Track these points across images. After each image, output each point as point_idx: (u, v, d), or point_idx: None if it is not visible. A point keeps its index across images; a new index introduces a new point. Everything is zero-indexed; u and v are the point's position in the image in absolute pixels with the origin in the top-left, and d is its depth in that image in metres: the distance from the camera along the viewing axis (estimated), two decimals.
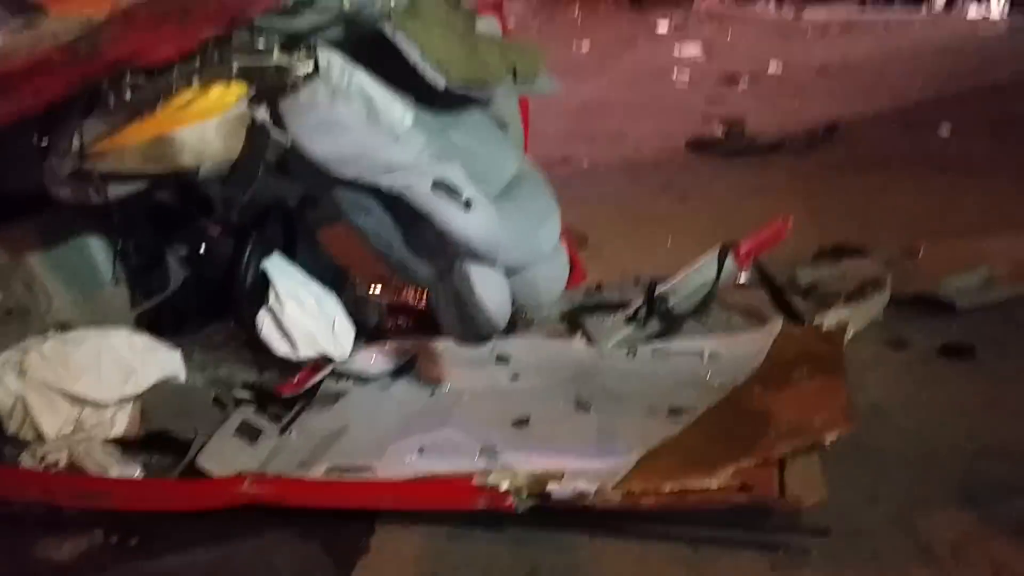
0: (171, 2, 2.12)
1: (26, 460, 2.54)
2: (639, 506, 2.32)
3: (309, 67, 2.27)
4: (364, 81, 2.35)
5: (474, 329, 2.60)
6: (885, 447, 2.77)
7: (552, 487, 2.33)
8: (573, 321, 3.47)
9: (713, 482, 2.29)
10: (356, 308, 3.41)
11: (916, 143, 6.70)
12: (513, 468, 2.44)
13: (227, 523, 2.40)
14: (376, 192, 2.46)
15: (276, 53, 2.23)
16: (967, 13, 15.31)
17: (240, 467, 2.50)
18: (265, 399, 2.89)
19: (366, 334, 3.33)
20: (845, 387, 2.67)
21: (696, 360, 3.13)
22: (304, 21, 2.27)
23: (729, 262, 3.29)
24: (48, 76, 2.11)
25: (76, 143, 2.22)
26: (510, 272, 2.70)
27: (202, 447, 2.56)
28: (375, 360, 3.16)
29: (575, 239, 4.36)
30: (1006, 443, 2.82)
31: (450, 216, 2.41)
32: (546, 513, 2.37)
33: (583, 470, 2.43)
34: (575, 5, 17.95)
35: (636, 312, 3.28)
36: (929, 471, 2.68)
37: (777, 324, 3.17)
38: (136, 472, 2.53)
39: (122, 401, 2.68)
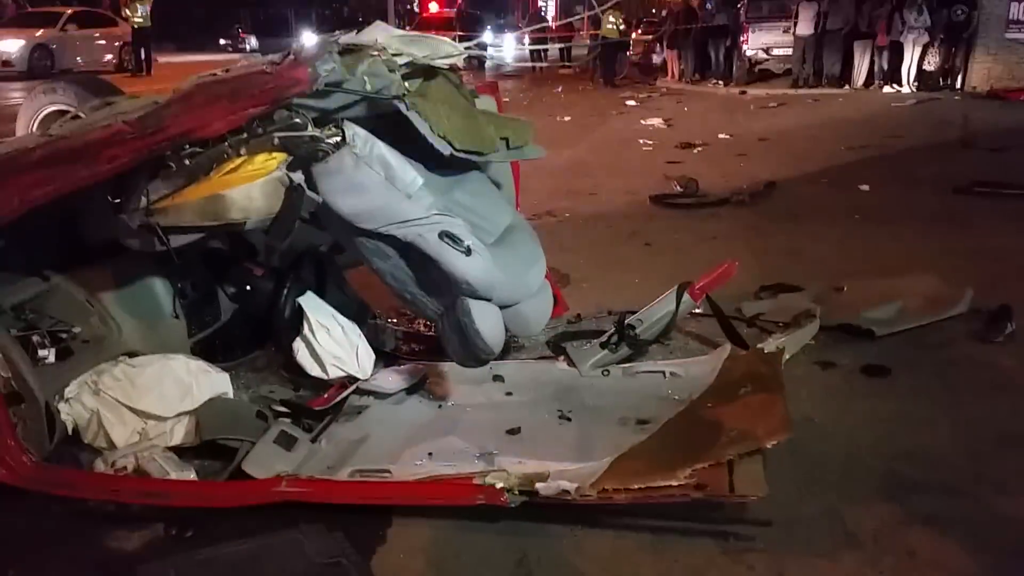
0: (222, 86, 2.14)
1: (99, 465, 2.52)
2: (612, 501, 2.31)
3: (337, 138, 2.27)
4: (383, 149, 2.36)
5: (474, 354, 2.59)
6: (817, 451, 2.76)
7: (539, 485, 2.33)
8: (557, 346, 3.48)
9: (674, 481, 2.29)
10: (376, 336, 3.42)
11: (841, 197, 6.75)
12: (506, 470, 2.44)
13: (267, 517, 2.39)
14: (392, 240, 2.46)
15: (310, 127, 2.23)
16: (882, 89, 15.48)
17: (278, 470, 2.49)
18: (299, 413, 2.88)
19: (384, 358, 3.33)
20: (783, 401, 2.66)
21: (659, 378, 3.14)
22: (333, 101, 2.28)
23: (686, 297, 3.30)
24: (120, 147, 2.11)
25: (143, 201, 2.23)
26: (504, 307, 2.71)
27: (247, 454, 2.54)
28: (392, 380, 3.16)
29: (558, 278, 4.39)
30: (918, 447, 2.82)
31: (454, 261, 2.41)
32: (534, 507, 2.36)
33: (565, 471, 2.43)
34: (559, 85, 18.14)
35: (609, 339, 3.28)
36: (854, 471, 2.68)
37: (726, 349, 3.17)
38: (191, 475, 2.51)
39: (180, 415, 2.67)
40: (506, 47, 20.79)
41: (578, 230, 5.91)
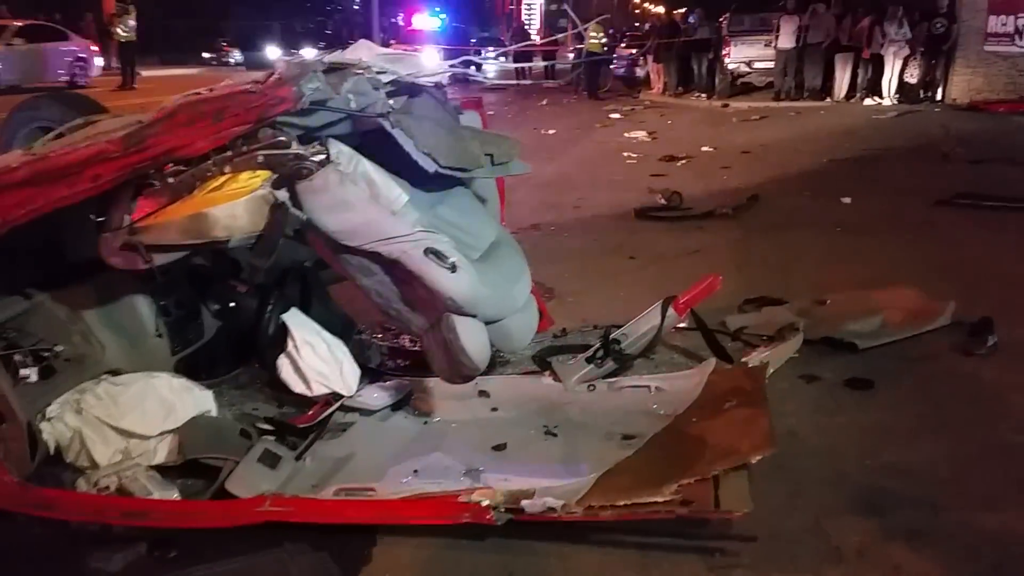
0: (206, 104, 2.13)
1: (82, 485, 2.50)
2: (598, 518, 2.30)
3: (321, 156, 2.27)
4: (367, 167, 2.35)
5: (459, 371, 2.58)
6: (801, 466, 2.77)
7: (525, 503, 2.32)
8: (542, 361, 3.47)
9: (659, 497, 2.28)
10: (361, 352, 3.40)
11: (823, 209, 6.79)
12: (492, 487, 2.43)
13: (251, 537, 2.37)
14: (376, 257, 2.46)
15: (294, 145, 2.23)
16: (863, 101, 15.60)
17: (262, 489, 2.47)
18: (284, 430, 2.86)
19: (369, 374, 3.31)
20: (767, 416, 2.67)
21: (645, 393, 3.14)
22: (317, 119, 2.28)
23: (671, 311, 3.30)
24: (103, 165, 2.10)
25: (126, 220, 2.21)
26: (489, 322, 2.70)
27: (230, 473, 2.52)
28: (377, 396, 3.14)
29: (543, 292, 4.39)
30: (901, 461, 2.84)
31: (439, 278, 2.41)
32: (521, 525, 2.35)
33: (551, 488, 2.42)
34: (544, 98, 18.20)
35: (595, 353, 3.28)
36: (838, 486, 2.69)
37: (711, 363, 3.17)
38: (174, 494, 2.49)
39: (163, 434, 2.64)
40: (488, 65, 20.91)
41: (563, 243, 5.92)
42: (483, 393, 3.17)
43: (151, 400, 2.65)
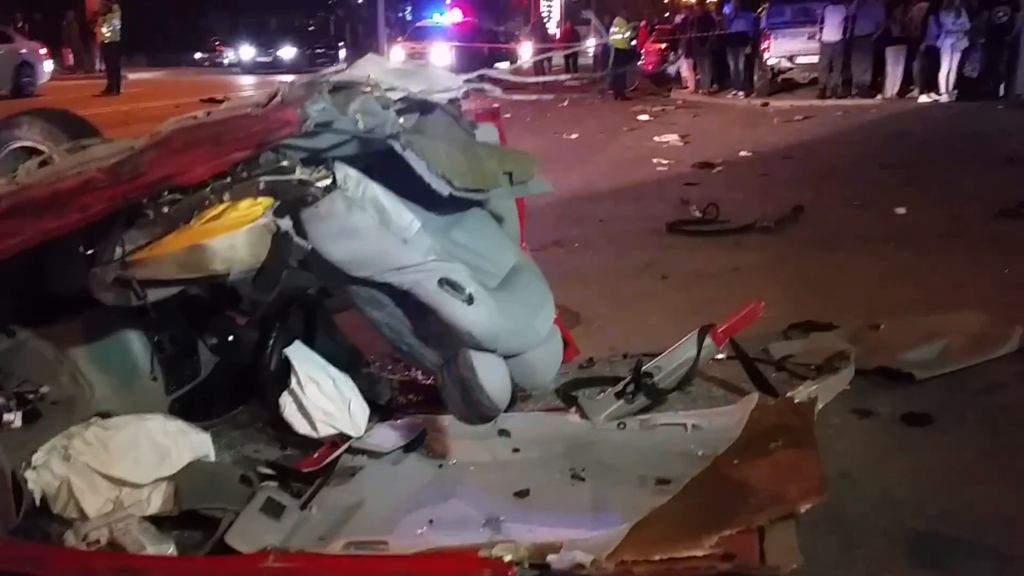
0: (204, 129, 2.17)
1: (70, 539, 2.52)
2: (631, 574, 2.30)
3: (327, 181, 2.30)
4: (376, 191, 2.38)
5: (478, 411, 2.60)
6: (854, 512, 2.76)
7: (551, 558, 2.32)
8: (567, 395, 3.48)
9: (699, 551, 2.28)
10: (370, 386, 3.42)
11: (875, 221, 6.80)
12: (515, 540, 2.44)
13: None
14: (387, 288, 2.48)
15: (298, 170, 2.26)
16: (918, 98, 15.58)
17: (265, 543, 2.48)
18: (287, 476, 2.88)
19: (379, 411, 3.33)
20: (817, 458, 2.67)
21: (680, 432, 3.14)
22: (322, 140, 2.30)
23: (708, 341, 3.31)
24: (93, 195, 2.14)
25: (118, 252, 2.25)
26: (509, 356, 2.72)
27: (230, 525, 2.54)
28: (388, 437, 3.16)
29: (568, 317, 4.40)
30: (964, 506, 2.82)
31: (454, 311, 2.43)
32: None
33: (579, 541, 2.43)
34: (565, 98, 18.27)
35: (625, 388, 3.29)
36: (895, 535, 2.68)
37: (753, 398, 3.18)
38: (170, 549, 2.51)
39: (157, 481, 2.66)
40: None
41: (589, 262, 5.95)
42: (503, 432, 3.17)
43: (144, 445, 2.68)
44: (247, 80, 25.94)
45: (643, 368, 3.33)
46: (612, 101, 18.11)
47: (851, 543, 2.63)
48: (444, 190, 2.48)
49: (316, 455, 3.02)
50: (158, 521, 2.62)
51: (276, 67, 29.09)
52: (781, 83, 18.04)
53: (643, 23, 24.68)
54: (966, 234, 6.26)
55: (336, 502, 2.79)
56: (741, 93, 17.93)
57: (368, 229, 2.37)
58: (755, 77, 18.02)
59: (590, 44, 26.14)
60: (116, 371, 2.84)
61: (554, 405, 3.47)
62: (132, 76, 22.50)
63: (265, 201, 2.29)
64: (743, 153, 10.39)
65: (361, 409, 3.13)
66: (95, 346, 2.81)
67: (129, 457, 2.64)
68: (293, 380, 3.02)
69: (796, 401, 3.14)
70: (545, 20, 43.49)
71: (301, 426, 3.03)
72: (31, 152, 3.47)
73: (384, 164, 2.44)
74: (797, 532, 2.36)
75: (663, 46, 21.76)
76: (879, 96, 16.06)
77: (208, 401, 3.16)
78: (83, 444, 2.63)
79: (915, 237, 6.22)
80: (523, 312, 2.77)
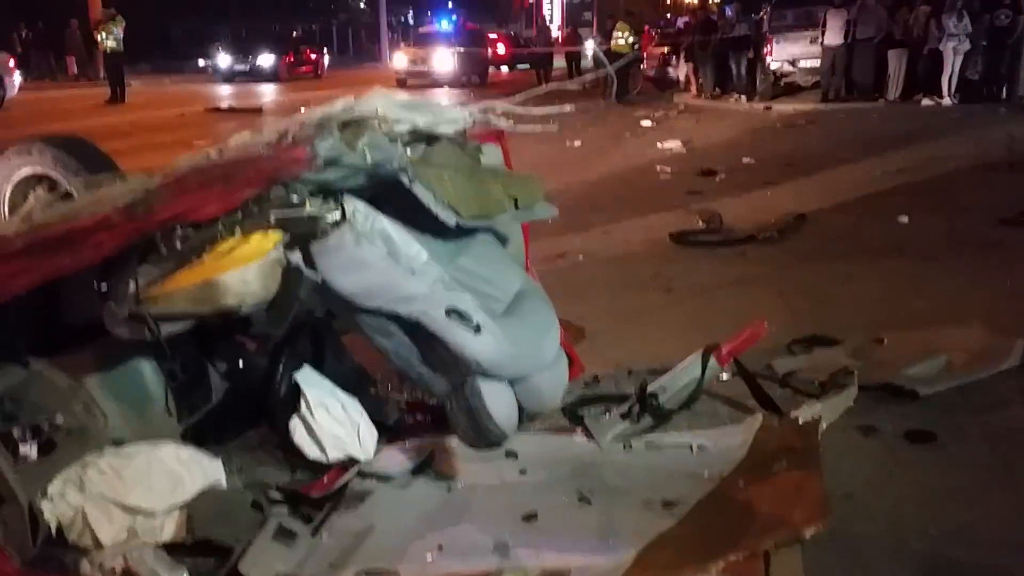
0: (216, 169, 2.21)
1: (85, 567, 2.55)
2: None
3: (336, 215, 2.34)
4: (385, 224, 2.43)
5: (485, 437, 2.64)
6: (858, 534, 2.79)
7: None
8: (573, 414, 3.51)
9: None
10: (377, 408, 3.46)
11: (878, 231, 6.82)
12: (524, 566, 2.48)
13: None
14: (395, 317, 2.53)
15: (308, 204, 2.30)
16: (920, 102, 15.58)
17: (277, 571, 2.52)
18: (298, 501, 2.91)
19: (387, 432, 3.37)
20: (821, 481, 2.70)
21: (686, 452, 3.17)
22: (331, 173, 2.34)
23: (712, 362, 3.34)
24: (107, 232, 2.18)
25: (132, 288, 2.29)
26: (515, 380, 2.76)
27: (243, 552, 2.58)
28: (396, 460, 3.19)
29: (572, 332, 4.43)
30: (968, 527, 2.85)
31: (462, 340, 2.48)
32: None
33: (587, 566, 2.47)
34: (568, 103, 18.28)
35: (630, 408, 3.32)
36: (899, 557, 2.70)
37: (757, 419, 3.22)
38: None
39: (171, 509, 2.71)
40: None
41: (592, 275, 5.97)
42: (510, 453, 3.20)
43: (157, 473, 2.71)
44: (225, 89, 25.26)
45: (648, 389, 3.37)
46: (614, 106, 18.11)
47: (855, 565, 2.66)
48: (451, 220, 2.53)
49: (326, 479, 3.05)
50: (172, 549, 2.66)
51: (254, 75, 28.31)
52: (783, 87, 18.05)
53: (647, 27, 24.75)
54: (968, 243, 6.28)
55: (346, 528, 2.82)
56: (743, 97, 17.93)
57: (377, 261, 2.42)
58: (757, 81, 18.03)
59: (589, 46, 26.14)
60: (129, 399, 2.87)
61: (560, 424, 3.50)
62: (136, 83, 22.57)
63: (276, 235, 2.33)
64: (746, 160, 10.41)
65: (370, 433, 3.16)
66: (108, 375, 2.84)
67: (142, 485, 2.67)
68: (303, 405, 3.06)
69: (800, 421, 3.17)
70: (547, 22, 43.52)
71: (311, 450, 3.06)
72: (41, 179, 3.51)
73: (392, 192, 2.49)
74: (803, 556, 2.40)
75: (665, 50, 21.78)
76: (881, 99, 16.06)
77: (219, 426, 3.19)
78: (97, 473, 2.66)
79: (917, 247, 6.25)
80: (529, 337, 2.81)
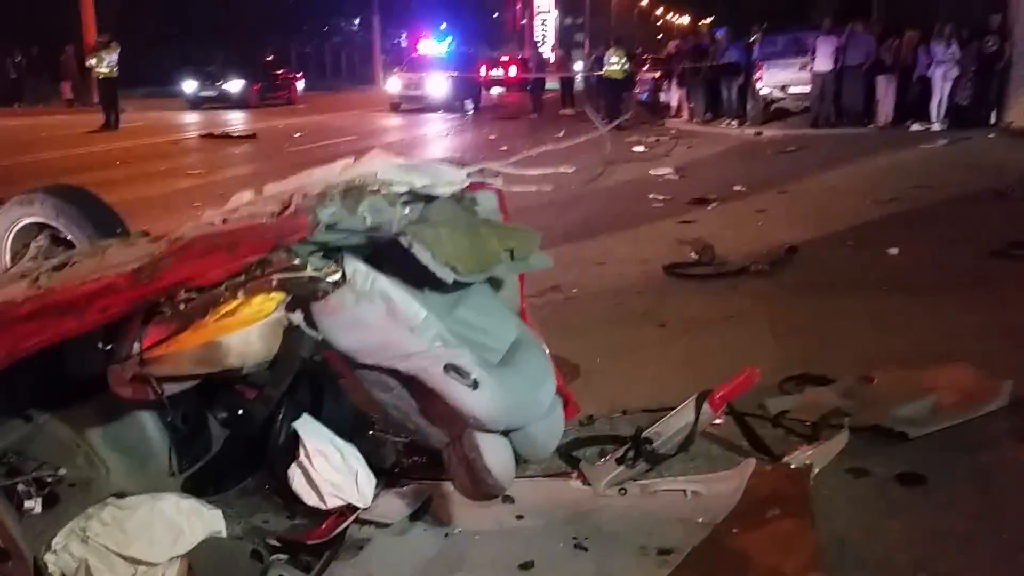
0: (220, 237, 2.27)
1: None
2: None
3: (337, 276, 2.40)
4: (384, 284, 2.48)
5: (483, 489, 2.69)
6: None
7: None
8: (569, 456, 3.56)
9: None
10: (375, 450, 3.50)
11: (868, 263, 6.88)
12: None
13: None
14: (395, 373, 2.57)
15: (309, 266, 2.35)
16: (910, 127, 15.73)
17: None
18: (297, 549, 2.95)
19: (385, 475, 3.40)
20: (813, 530, 2.75)
21: (680, 498, 3.22)
22: (331, 236, 2.40)
23: (706, 407, 3.39)
24: (113, 297, 2.23)
25: (136, 349, 2.34)
26: (511, 429, 2.81)
27: None
28: (394, 505, 3.23)
29: (567, 370, 4.48)
30: (957, 571, 2.89)
31: (460, 396, 2.52)
32: None
33: None
34: (560, 128, 18.41)
35: (625, 454, 3.37)
36: None
37: (750, 464, 3.26)
38: None
39: (172, 560, 2.74)
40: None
41: (586, 309, 6.00)
42: (507, 498, 3.23)
43: (159, 524, 2.75)
44: (191, 118, 24.50)
45: (643, 434, 3.42)
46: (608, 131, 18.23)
47: None
48: (449, 278, 2.58)
49: (324, 526, 3.08)
50: None
51: (221, 101, 27.49)
52: (774, 112, 18.21)
53: (640, 52, 24.97)
54: (957, 276, 6.35)
55: None
56: (735, 122, 18.09)
57: (376, 320, 2.47)
58: (748, 106, 18.19)
59: (579, 67, 26.33)
60: (131, 451, 2.91)
61: (556, 467, 3.54)
62: (130, 108, 22.60)
63: (277, 296, 2.38)
64: (737, 188, 10.49)
65: (368, 480, 3.19)
66: (110, 427, 2.88)
67: (144, 537, 2.71)
68: (302, 453, 3.09)
69: (792, 467, 3.22)
70: (539, 45, 43.82)
71: (310, 498, 3.09)
72: (42, 228, 3.56)
73: (391, 247, 2.54)
74: None
75: (657, 75, 21.96)
76: (871, 125, 16.21)
77: (219, 474, 3.23)
78: (100, 525, 2.70)
79: (907, 280, 6.30)
80: (525, 388, 2.85)
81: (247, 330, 2.33)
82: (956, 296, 5.86)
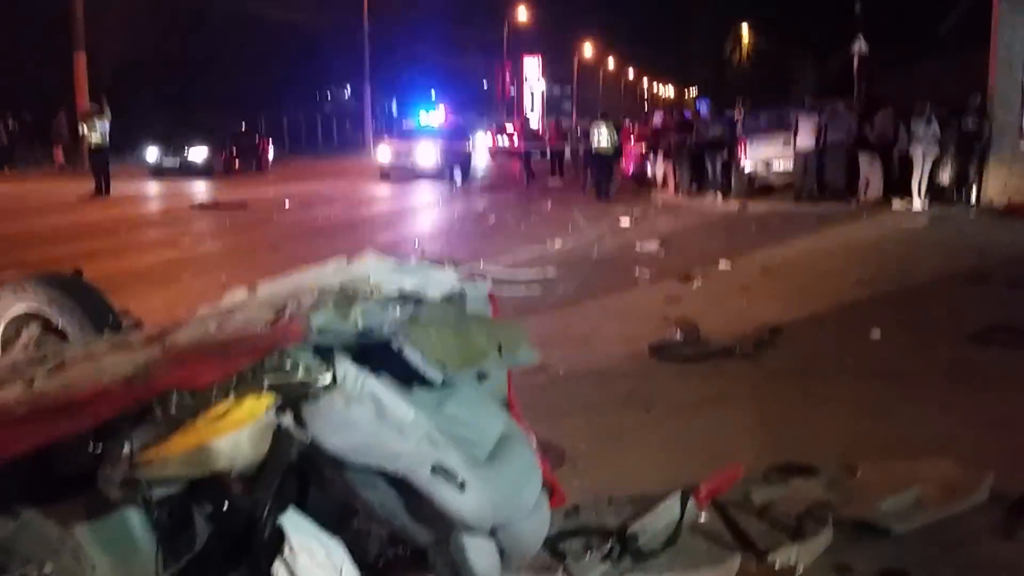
0: (214, 344, 2.31)
1: None
2: None
3: (328, 379, 2.43)
4: (374, 387, 2.51)
5: None
6: None
7: None
8: (554, 549, 3.55)
9: None
10: (358, 542, 3.48)
11: (851, 346, 6.94)
12: None
13: None
14: (382, 473, 2.60)
15: (300, 371, 2.39)
16: (892, 204, 15.97)
17: None
18: None
19: (368, 569, 3.38)
20: None
21: None
22: (323, 339, 2.45)
23: (691, 504, 3.42)
24: (106, 401, 2.26)
25: (126, 452, 2.36)
26: (495, 527, 2.82)
27: None
28: None
29: (553, 456, 4.49)
30: None
31: (447, 498, 2.54)
32: None
33: None
34: (548, 200, 18.64)
35: (611, 551, 3.38)
36: None
37: (735, 562, 3.27)
38: None
39: None
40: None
41: (572, 391, 6.02)
42: None
43: None
44: (184, 187, 23.86)
45: (628, 529, 3.43)
46: (593, 203, 18.45)
47: None
48: (438, 378, 2.63)
49: None
50: None
51: (185, 171, 26.79)
52: (758, 187, 18.48)
53: (627, 124, 25.36)
54: (937, 363, 6.41)
55: None
56: (719, 195, 18.35)
57: (366, 422, 2.49)
58: (732, 180, 18.46)
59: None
60: (118, 549, 2.88)
61: (541, 559, 3.53)
62: (122, 175, 22.69)
63: (267, 398, 2.41)
64: (722, 264, 10.60)
65: None
66: (96, 524, 2.86)
67: None
68: (287, 549, 3.08)
69: (777, 567, 3.23)
70: (528, 112, 44.52)
71: None
72: (33, 317, 3.59)
73: (382, 347, 2.59)
74: None
75: (643, 149, 22.30)
76: (853, 200, 16.46)
77: (202, 570, 3.21)
78: None
79: (888, 367, 6.36)
80: (511, 486, 2.88)
81: (237, 433, 2.35)
82: (936, 385, 5.92)
